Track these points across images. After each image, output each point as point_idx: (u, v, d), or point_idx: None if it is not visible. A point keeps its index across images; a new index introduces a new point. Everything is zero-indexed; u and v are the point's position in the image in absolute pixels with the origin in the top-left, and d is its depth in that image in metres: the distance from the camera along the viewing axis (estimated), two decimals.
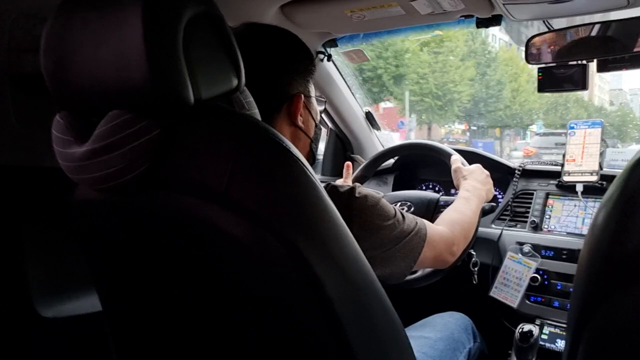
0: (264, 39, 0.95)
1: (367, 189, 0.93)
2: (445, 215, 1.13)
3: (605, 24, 1.29)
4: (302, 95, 0.96)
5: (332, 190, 0.89)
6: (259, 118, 0.76)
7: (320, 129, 1.07)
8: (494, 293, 1.52)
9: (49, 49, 0.64)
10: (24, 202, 1.07)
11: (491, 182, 1.36)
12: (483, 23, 1.35)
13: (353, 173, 1.57)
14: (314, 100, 1.02)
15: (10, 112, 1.02)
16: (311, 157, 1.03)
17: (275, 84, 0.93)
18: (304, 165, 0.64)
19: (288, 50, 0.97)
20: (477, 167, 1.37)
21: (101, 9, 0.61)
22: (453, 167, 1.38)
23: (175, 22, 0.60)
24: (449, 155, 1.45)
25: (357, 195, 0.89)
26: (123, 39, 0.58)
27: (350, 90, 1.88)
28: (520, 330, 1.37)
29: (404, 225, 0.93)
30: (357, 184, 0.92)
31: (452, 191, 1.89)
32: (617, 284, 0.51)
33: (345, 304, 0.65)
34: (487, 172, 1.36)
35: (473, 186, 1.28)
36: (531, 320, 1.47)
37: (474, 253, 1.45)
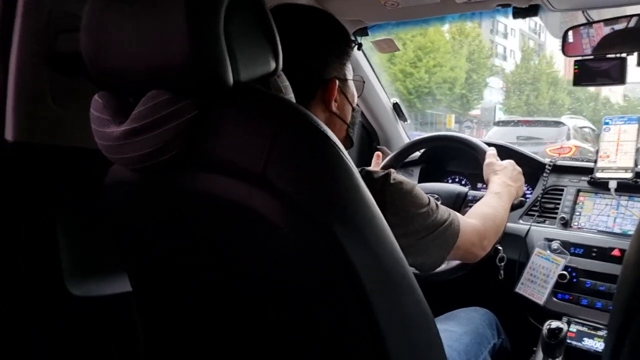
0: (300, 20, 0.93)
1: (401, 175, 0.91)
2: (477, 209, 1.11)
3: None
4: (337, 80, 0.93)
5: (367, 175, 0.88)
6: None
7: (359, 112, 1.04)
8: (520, 289, 1.50)
9: (89, 29, 0.65)
10: (58, 182, 1.09)
11: (523, 179, 1.34)
12: (520, 13, 1.32)
13: (382, 162, 1.56)
14: (350, 84, 0.98)
15: (47, 92, 1.03)
16: (348, 141, 1.01)
17: (309, 67, 0.91)
18: (341, 150, 0.64)
19: (324, 32, 0.94)
20: (509, 163, 1.35)
21: None
22: (487, 160, 1.36)
23: (217, 4, 0.60)
24: (484, 150, 1.42)
25: (392, 181, 0.88)
26: (165, 19, 0.58)
27: (379, 80, 1.87)
28: (548, 326, 1.35)
29: (437, 215, 0.92)
30: (392, 170, 0.91)
31: (479, 185, 1.86)
32: None
33: (378, 290, 0.64)
34: (519, 169, 1.34)
35: (504, 182, 1.26)
36: (558, 318, 1.44)
37: (500, 248, 1.43)
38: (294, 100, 0.78)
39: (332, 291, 0.63)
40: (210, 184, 0.64)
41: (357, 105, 1.02)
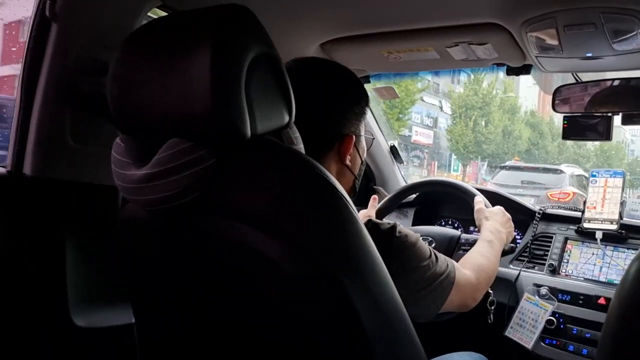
0: (323, 76, 0.96)
1: (406, 229, 0.95)
2: (472, 259, 1.15)
3: (632, 80, 1.34)
4: (354, 136, 0.96)
5: (374, 227, 0.92)
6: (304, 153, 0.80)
7: (365, 165, 1.08)
8: (510, 333, 1.53)
9: (117, 77, 0.69)
10: (70, 215, 1.12)
11: (512, 225, 1.39)
12: (513, 71, 1.41)
13: (378, 204, 1.61)
14: (363, 139, 1.02)
15: (67, 129, 1.08)
16: (353, 191, 1.04)
17: (329, 123, 0.94)
18: (348, 202, 0.68)
19: (349, 91, 0.97)
20: (499, 209, 1.40)
21: (171, 41, 0.66)
22: (476, 207, 1.41)
23: (241, 61, 0.64)
24: (473, 195, 1.49)
25: (397, 234, 0.91)
26: (190, 72, 0.62)
27: (377, 123, 1.94)
28: None
29: (437, 267, 0.95)
30: (398, 223, 0.95)
31: (471, 228, 1.92)
32: None
33: (378, 336, 0.68)
34: (508, 215, 1.39)
35: (495, 228, 1.30)
36: None
37: (491, 292, 1.47)
38: (303, 150, 0.83)
39: (334, 334, 0.67)
40: (224, 229, 0.67)
41: (365, 158, 1.07)
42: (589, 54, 1.17)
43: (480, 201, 1.44)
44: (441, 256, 1.00)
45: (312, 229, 0.65)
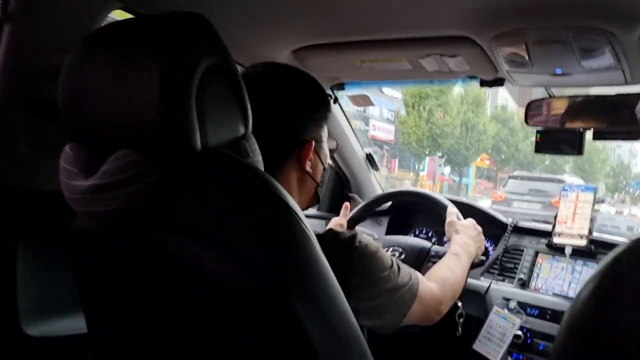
0: (284, 82, 0.95)
1: (367, 238, 0.93)
2: (437, 272, 1.14)
3: (603, 96, 1.34)
4: (314, 142, 0.95)
5: (334, 237, 0.90)
6: (262, 166, 0.78)
7: (328, 171, 1.07)
8: (477, 347, 1.52)
9: (67, 82, 0.67)
10: (22, 223, 1.09)
11: (483, 239, 1.38)
12: (486, 83, 1.40)
13: (350, 212, 1.60)
14: (325, 145, 1.01)
15: (21, 136, 1.04)
16: (315, 199, 1.03)
17: (288, 129, 0.93)
18: (301, 219, 0.67)
19: (307, 96, 0.96)
20: (470, 222, 1.39)
21: (121, 50, 0.64)
22: (448, 219, 1.40)
23: (192, 70, 0.62)
24: (445, 206, 1.48)
25: (357, 244, 0.89)
26: (140, 81, 0.61)
27: (353, 131, 1.93)
28: None
29: (399, 278, 0.94)
30: (358, 232, 0.94)
31: (445, 239, 1.91)
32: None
33: (329, 356, 0.67)
34: (479, 229, 1.38)
35: (464, 242, 1.30)
36: None
37: (460, 304, 1.46)
38: (261, 163, 0.81)
39: (285, 355, 0.65)
40: (173, 246, 0.65)
41: (329, 164, 1.06)
42: (559, 71, 1.16)
43: (452, 213, 1.43)
44: (404, 267, 0.98)
45: (262, 249, 0.64)
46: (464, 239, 1.31)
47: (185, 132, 0.61)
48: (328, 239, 0.89)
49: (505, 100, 22.61)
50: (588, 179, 22.14)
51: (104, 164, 0.65)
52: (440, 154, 20.23)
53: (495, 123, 21.23)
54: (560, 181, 11.23)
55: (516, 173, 15.27)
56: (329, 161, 1.06)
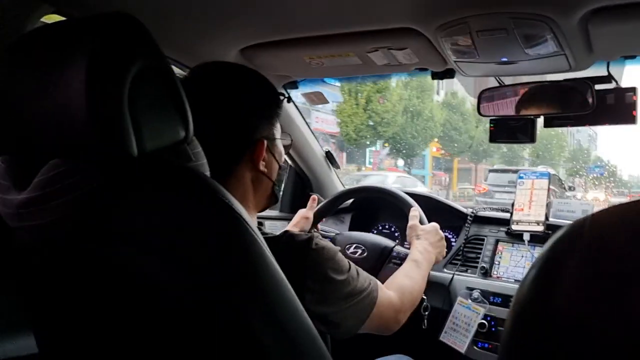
0: (230, 81, 0.93)
1: (324, 241, 0.92)
2: (396, 280, 1.12)
3: (551, 83, 1.35)
4: (265, 141, 0.93)
5: (289, 238, 0.89)
6: (207, 168, 0.76)
7: (285, 169, 1.05)
8: (444, 337, 1.53)
9: None
10: None
11: (444, 244, 1.39)
12: (437, 75, 1.40)
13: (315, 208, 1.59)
14: (278, 142, 0.99)
15: None
16: (273, 198, 1.01)
17: (238, 129, 0.91)
18: (246, 222, 0.65)
19: (254, 94, 0.94)
20: (433, 227, 1.38)
21: (48, 56, 0.61)
22: (410, 222, 1.39)
23: (122, 75, 0.59)
24: (409, 206, 1.47)
25: (313, 246, 0.88)
26: (68, 86, 0.58)
27: (310, 129, 1.91)
28: None
29: (357, 283, 0.92)
30: (315, 234, 0.92)
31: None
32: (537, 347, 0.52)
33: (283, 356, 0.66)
34: (441, 234, 1.38)
35: (425, 248, 1.29)
36: None
37: (425, 297, 1.46)
38: (205, 166, 0.78)
39: (235, 356, 0.64)
40: (115, 254, 0.63)
41: (285, 162, 1.04)
42: (505, 59, 1.17)
43: (414, 216, 1.42)
44: (363, 273, 0.97)
45: (207, 255, 0.62)
46: (425, 246, 1.31)
47: (118, 137, 0.59)
48: (284, 240, 0.88)
49: (457, 85, 21.43)
50: (547, 165, 22.56)
51: (37, 175, 0.62)
52: (384, 144, 19.12)
53: (446, 110, 20.12)
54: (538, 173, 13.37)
55: (496, 167, 16.25)
56: (285, 158, 1.04)
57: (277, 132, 0.99)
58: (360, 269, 0.96)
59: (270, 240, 0.81)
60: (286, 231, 0.91)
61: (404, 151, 18.86)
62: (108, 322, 0.70)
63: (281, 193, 1.05)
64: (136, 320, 0.67)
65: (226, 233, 0.64)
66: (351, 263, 0.95)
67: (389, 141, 18.41)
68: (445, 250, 1.40)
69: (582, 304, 0.50)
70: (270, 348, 0.64)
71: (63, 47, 0.61)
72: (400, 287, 1.09)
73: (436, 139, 20.63)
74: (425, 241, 1.31)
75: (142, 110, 0.62)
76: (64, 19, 1.09)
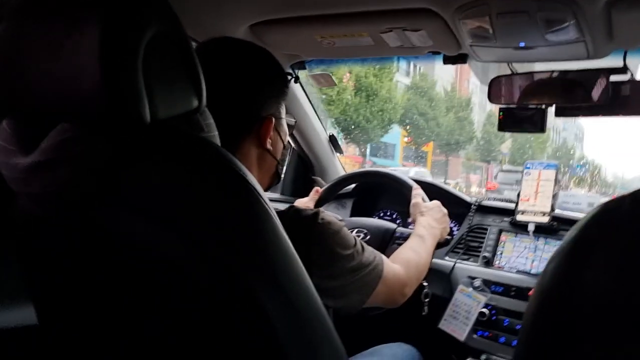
0: (239, 57, 0.93)
1: (330, 215, 0.92)
2: (402, 254, 1.13)
3: (565, 72, 1.34)
4: (273, 118, 0.94)
5: (295, 213, 0.89)
6: (218, 141, 0.75)
7: (288, 150, 1.07)
8: (443, 325, 1.53)
9: (0, 52, 0.61)
10: None
11: (448, 220, 1.38)
12: (450, 60, 1.38)
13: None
14: (284, 122, 1.00)
15: None
16: (276, 177, 1.02)
17: (247, 105, 0.92)
18: (259, 194, 0.64)
19: (263, 71, 0.95)
20: (435, 204, 1.39)
21: (59, 18, 0.58)
22: (413, 201, 1.39)
23: (136, 39, 0.57)
24: (410, 187, 1.46)
25: (319, 221, 0.88)
26: (79, 51, 0.56)
27: (316, 112, 1.89)
28: None
29: (362, 257, 0.93)
30: (321, 209, 0.92)
31: (409, 221, 1.91)
32: (559, 337, 0.52)
33: (293, 338, 0.65)
34: (444, 211, 1.38)
35: (429, 224, 1.29)
36: (477, 354, 1.48)
37: (425, 284, 1.45)
38: (217, 138, 0.77)
39: (245, 339, 0.63)
40: (124, 225, 0.62)
41: (288, 142, 1.03)
42: (523, 44, 1.15)
43: (417, 194, 1.42)
44: (369, 248, 0.97)
45: (219, 227, 0.61)
46: (429, 221, 1.31)
47: (131, 103, 0.57)
48: (290, 215, 0.88)
49: (432, 68, 20.01)
50: (527, 159, 22.61)
51: (44, 140, 0.60)
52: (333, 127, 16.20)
53: (413, 93, 18.60)
54: None
55: (505, 167, 17.18)
56: (288, 139, 1.04)
57: (283, 111, 0.99)
58: (365, 244, 0.97)
59: (277, 214, 0.81)
60: (292, 206, 0.92)
61: (359, 136, 16.82)
62: (110, 293, 0.69)
63: (283, 174, 1.05)
64: (139, 292, 0.66)
65: (239, 204, 0.63)
66: (356, 238, 0.95)
67: (339, 124, 16.07)
68: (449, 227, 1.40)
69: (613, 290, 0.49)
70: (280, 325, 0.63)
71: (75, 9, 0.58)
72: (406, 261, 1.09)
73: (403, 126, 19.12)
74: (429, 217, 1.32)
75: (155, 77, 0.60)
76: None
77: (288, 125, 1.03)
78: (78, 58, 0.55)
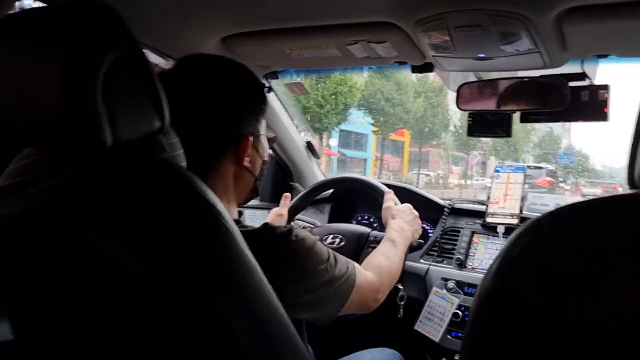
0: (217, 75, 0.92)
1: (304, 231, 0.92)
2: (373, 259, 1.14)
3: (528, 79, 1.38)
4: (251, 137, 0.93)
5: (269, 231, 0.89)
6: (183, 159, 0.76)
7: (267, 163, 1.05)
8: (419, 327, 1.56)
9: None
10: None
11: (419, 222, 1.39)
12: (417, 69, 1.41)
13: (290, 202, 1.59)
14: (263, 138, 0.99)
15: None
16: (255, 192, 1.02)
17: (223, 125, 0.90)
18: (220, 212, 0.65)
19: (241, 89, 0.93)
20: (407, 207, 1.39)
21: (20, 43, 0.60)
22: (384, 205, 1.40)
23: (95, 66, 0.59)
24: (382, 192, 1.48)
25: (293, 238, 0.88)
26: (41, 75, 0.58)
27: (292, 119, 1.91)
28: None
29: (335, 270, 0.93)
30: (295, 225, 0.92)
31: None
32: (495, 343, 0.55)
33: (256, 347, 0.66)
34: (416, 213, 1.39)
35: (400, 227, 1.30)
36: (451, 355, 1.52)
37: (401, 287, 1.48)
38: (182, 157, 0.78)
39: (209, 349, 0.64)
40: (88, 245, 0.63)
41: (268, 156, 1.03)
42: (481, 55, 1.19)
43: (389, 199, 1.43)
44: (341, 258, 0.98)
45: (180, 246, 0.62)
46: (400, 224, 1.32)
47: (92, 127, 0.59)
48: (264, 233, 0.89)
49: None
50: (510, 150, 22.25)
51: (10, 164, 0.61)
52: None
53: (377, 76, 17.35)
54: (539, 167, 16.43)
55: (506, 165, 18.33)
56: (269, 152, 1.04)
57: (262, 127, 0.98)
58: (338, 254, 0.98)
59: (250, 233, 0.82)
60: (266, 224, 0.92)
61: (312, 123, 15.38)
62: (80, 310, 0.70)
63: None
64: (107, 309, 0.67)
65: (198, 224, 0.64)
66: (329, 250, 0.96)
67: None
68: (421, 228, 1.41)
69: (544, 295, 0.53)
70: (244, 339, 0.64)
71: (35, 37, 0.60)
72: (378, 267, 1.10)
73: (366, 113, 17.04)
74: (400, 220, 1.32)
75: (117, 100, 0.62)
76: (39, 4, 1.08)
77: (268, 139, 1.02)
78: (39, 86, 0.57)
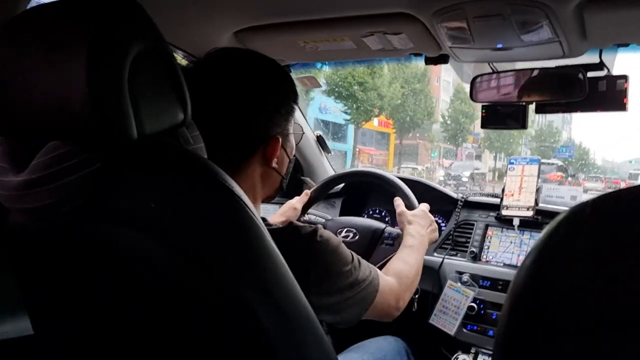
0: (250, 74, 0.89)
1: (328, 232, 0.92)
2: (394, 266, 1.13)
3: (544, 70, 1.36)
4: (280, 138, 0.91)
5: (294, 230, 0.88)
6: (204, 152, 0.76)
7: (293, 163, 1.03)
8: (433, 320, 1.56)
9: None
10: None
11: (436, 227, 1.39)
12: (431, 61, 1.40)
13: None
14: (291, 137, 0.97)
15: None
16: (280, 190, 1.01)
17: (252, 126, 0.89)
18: (246, 205, 0.65)
19: (272, 88, 0.91)
20: (422, 211, 1.38)
21: (47, 35, 0.60)
22: (397, 210, 1.38)
23: (122, 57, 0.59)
24: (398, 187, 1.47)
25: (318, 238, 0.88)
26: (68, 68, 0.57)
27: (303, 114, 1.90)
28: (456, 359, 1.42)
29: (359, 273, 0.93)
30: (320, 226, 0.91)
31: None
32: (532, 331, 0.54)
33: (283, 342, 0.66)
34: (431, 217, 1.38)
35: (418, 232, 1.29)
36: (467, 348, 1.51)
37: None
38: (203, 149, 0.78)
39: (236, 345, 0.64)
40: (115, 236, 0.63)
41: (294, 155, 1.02)
42: (500, 45, 1.17)
43: (399, 205, 1.40)
44: (364, 262, 0.97)
45: (204, 237, 0.62)
46: (418, 230, 1.30)
47: (118, 120, 0.59)
48: (288, 232, 0.88)
49: None
50: (504, 141, 22.23)
51: (35, 157, 0.61)
52: None
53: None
54: (551, 163, 17.95)
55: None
56: (294, 152, 1.02)
57: (291, 126, 0.96)
58: (361, 258, 0.96)
59: (275, 232, 0.81)
60: (291, 223, 0.91)
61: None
62: (104, 304, 0.70)
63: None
64: (132, 302, 0.68)
65: (224, 214, 0.64)
66: (353, 253, 0.95)
67: None
68: (437, 232, 1.41)
69: (580, 287, 0.52)
70: (272, 332, 0.64)
71: (63, 28, 0.60)
72: (399, 273, 1.09)
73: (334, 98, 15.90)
74: (417, 225, 1.31)
75: (141, 93, 0.62)
76: None
77: (295, 135, 1.00)
78: (66, 78, 0.57)
